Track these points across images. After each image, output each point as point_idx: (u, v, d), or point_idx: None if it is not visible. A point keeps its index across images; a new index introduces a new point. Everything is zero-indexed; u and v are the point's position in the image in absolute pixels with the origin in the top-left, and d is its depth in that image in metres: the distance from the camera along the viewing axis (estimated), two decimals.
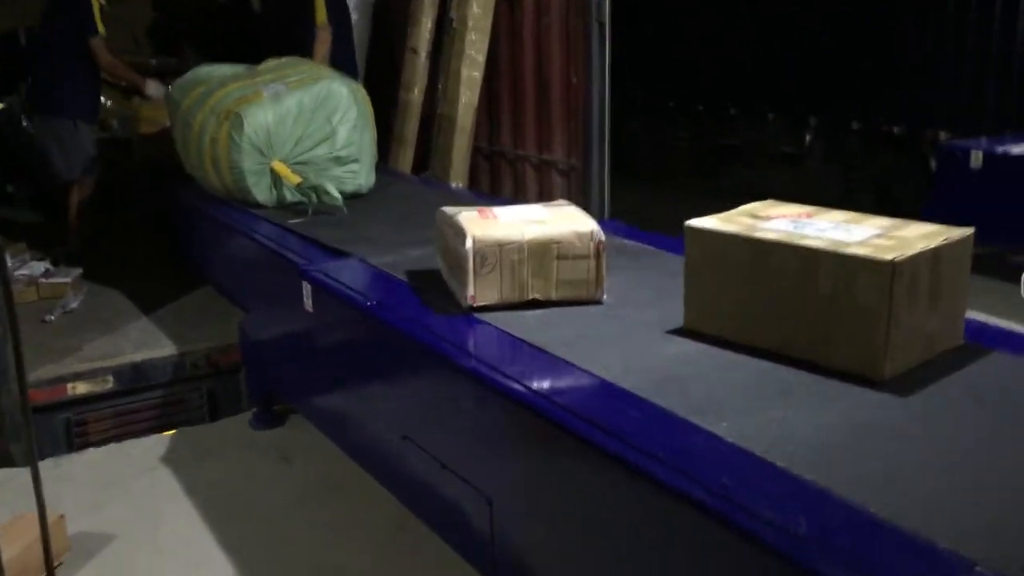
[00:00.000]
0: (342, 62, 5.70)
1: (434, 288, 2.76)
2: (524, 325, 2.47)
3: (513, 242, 2.50)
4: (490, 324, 2.54)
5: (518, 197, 5.23)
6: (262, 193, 4.09)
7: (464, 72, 5.19)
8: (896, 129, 7.68)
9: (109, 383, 3.91)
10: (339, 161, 4.17)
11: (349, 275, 3.08)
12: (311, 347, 3.29)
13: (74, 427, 3.86)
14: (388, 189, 4.50)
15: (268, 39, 6.97)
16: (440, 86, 5.42)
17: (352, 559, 3.06)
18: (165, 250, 5.26)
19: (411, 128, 5.63)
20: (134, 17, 8.49)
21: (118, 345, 4.11)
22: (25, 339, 4.12)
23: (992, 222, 4.29)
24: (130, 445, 3.84)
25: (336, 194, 3.97)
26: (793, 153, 9.20)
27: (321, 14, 5.55)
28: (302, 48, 5.70)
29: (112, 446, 3.83)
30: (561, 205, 2.84)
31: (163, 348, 4.09)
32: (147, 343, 4.14)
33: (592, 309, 2.57)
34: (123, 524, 3.27)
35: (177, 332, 4.24)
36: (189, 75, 4.54)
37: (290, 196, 4.08)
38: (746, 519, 1.54)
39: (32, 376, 3.78)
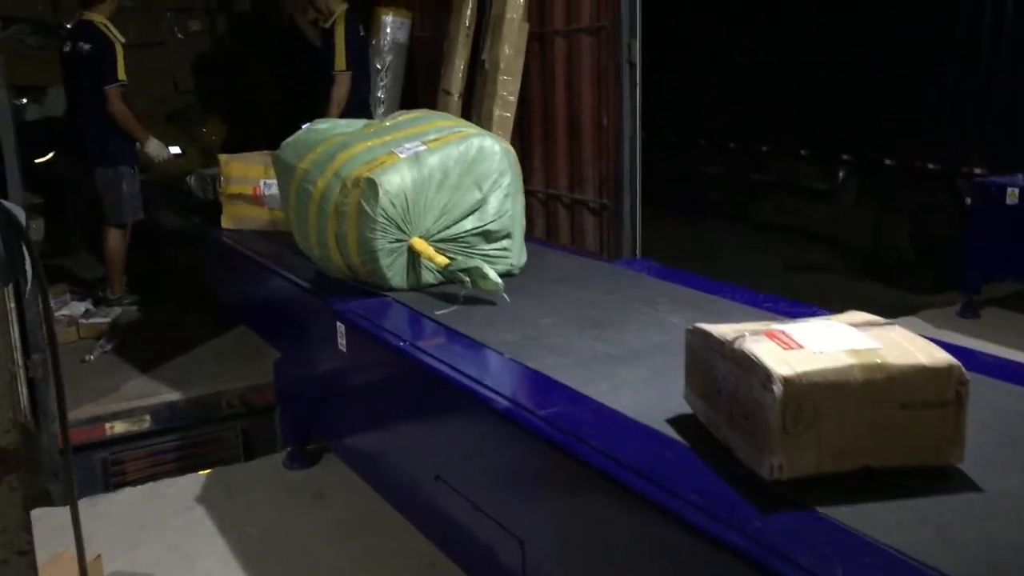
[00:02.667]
0: (355, 106, 5.81)
1: (701, 441, 2.02)
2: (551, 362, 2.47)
3: (839, 384, 1.76)
4: (520, 363, 2.55)
5: (550, 237, 5.26)
6: (398, 276, 3.35)
7: (496, 113, 5.24)
8: (931, 165, 7.62)
9: (146, 423, 3.96)
10: (489, 236, 3.46)
11: (382, 315, 3.11)
12: (344, 387, 3.31)
13: (111, 466, 3.91)
14: (542, 267, 3.74)
15: (291, 84, 7.15)
16: None
17: None
18: (202, 290, 5.33)
19: None
20: (174, 63, 8.72)
21: (155, 385, 4.17)
22: (66, 379, 4.22)
23: None
24: (165, 484, 3.87)
25: (496, 278, 3.18)
26: (825, 190, 9.15)
27: (341, 60, 5.69)
28: (321, 92, 5.86)
29: (148, 485, 3.87)
30: (880, 325, 1.99)
31: (199, 388, 4.13)
32: (183, 383, 4.19)
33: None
34: (158, 563, 3.29)
35: (213, 371, 4.29)
36: (302, 133, 3.78)
37: (432, 280, 3.40)
38: (771, 558, 1.53)
39: (71, 416, 3.84)
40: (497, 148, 3.48)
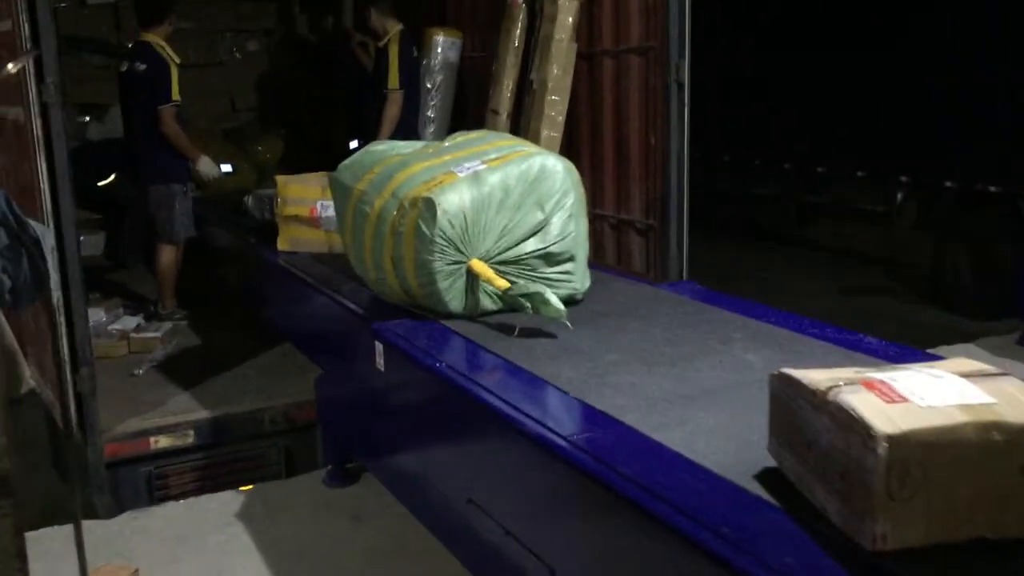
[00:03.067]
0: (407, 125, 5.87)
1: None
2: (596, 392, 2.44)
3: (951, 445, 1.57)
4: (559, 388, 2.52)
5: (596, 257, 5.21)
6: (456, 300, 3.21)
7: (544, 132, 5.23)
8: (992, 188, 7.43)
9: (190, 437, 4.00)
10: (551, 259, 3.31)
11: (421, 335, 3.10)
12: (381, 407, 3.31)
13: (155, 480, 3.95)
14: (601, 292, 3.54)
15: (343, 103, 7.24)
16: None
17: None
18: (249, 307, 5.40)
19: None
20: (231, 82, 8.88)
21: (200, 400, 4.21)
22: (114, 392, 4.32)
23: None
24: (206, 500, 3.91)
25: (559, 305, 2.99)
26: (882, 212, 8.98)
27: (394, 78, 5.76)
28: (372, 110, 5.92)
29: (190, 500, 3.91)
30: (993, 375, 1.77)
31: (243, 404, 4.17)
32: (228, 398, 4.23)
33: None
34: None
35: (257, 387, 4.33)
36: (359, 155, 3.69)
37: (490, 304, 3.26)
38: None
39: (118, 429, 3.91)
40: (560, 167, 3.34)
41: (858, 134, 8.69)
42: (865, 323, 6.94)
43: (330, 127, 7.85)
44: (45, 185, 3.55)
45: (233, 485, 4.07)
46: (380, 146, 3.71)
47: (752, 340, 2.91)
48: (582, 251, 3.42)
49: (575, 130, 5.33)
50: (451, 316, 3.23)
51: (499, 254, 3.22)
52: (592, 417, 2.36)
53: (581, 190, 3.44)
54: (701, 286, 3.71)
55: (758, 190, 10.33)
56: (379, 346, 3.15)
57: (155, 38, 5.28)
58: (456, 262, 3.16)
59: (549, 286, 3.19)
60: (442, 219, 3.08)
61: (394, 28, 6.00)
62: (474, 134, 3.75)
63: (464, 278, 3.19)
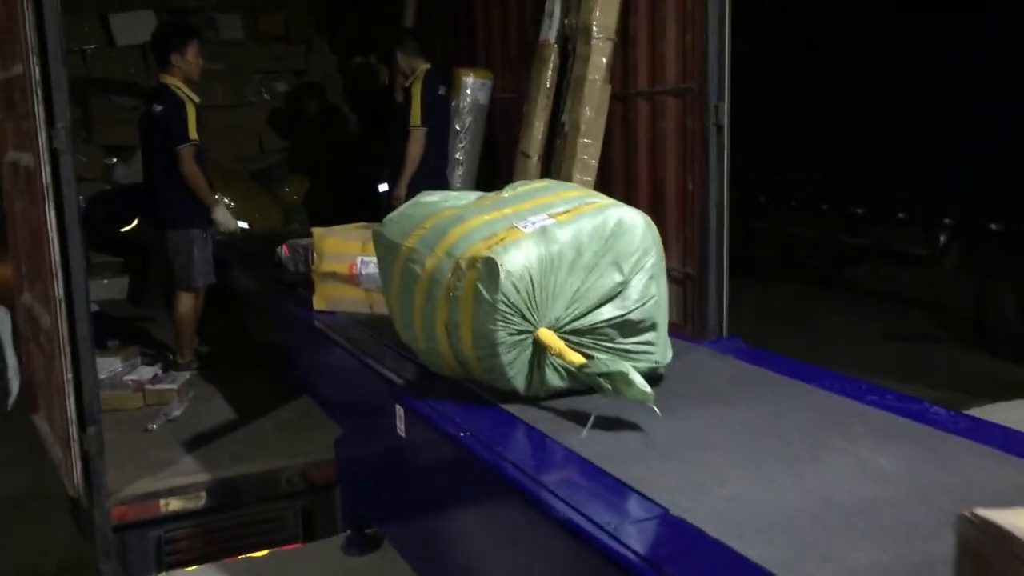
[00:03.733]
0: (433, 166, 5.72)
1: None
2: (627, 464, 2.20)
3: None
4: (595, 466, 2.27)
5: None
6: (519, 375, 2.80)
7: (576, 177, 5.03)
8: None
9: (202, 500, 3.80)
10: (629, 328, 2.89)
11: (445, 400, 2.88)
12: (401, 473, 3.09)
13: (164, 545, 3.74)
14: (692, 365, 3.16)
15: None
16: None
17: None
18: (270, 356, 5.22)
19: None
20: (260, 123, 8.81)
21: (214, 458, 4.01)
22: (125, 449, 4.13)
23: None
24: (218, 568, 3.69)
25: (645, 387, 2.58)
26: (925, 255, 8.71)
27: (416, 115, 5.65)
28: (396, 150, 5.79)
29: (202, 567, 3.69)
30: None
31: (258, 463, 3.97)
32: (243, 456, 4.03)
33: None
34: None
35: (274, 445, 4.13)
36: (407, 207, 3.32)
37: (559, 382, 2.85)
38: None
39: (127, 490, 3.71)
40: (640, 221, 2.96)
41: (899, 175, 8.46)
42: (912, 372, 6.71)
43: (359, 168, 7.73)
44: (54, 233, 3.40)
45: (248, 549, 3.85)
46: (431, 197, 3.30)
47: (863, 426, 2.51)
48: (664, 318, 3.01)
49: (609, 174, 5.13)
50: (512, 395, 2.81)
51: (570, 322, 2.82)
52: (709, 549, 1.88)
53: (661, 247, 3.05)
54: (745, 344, 3.46)
55: (794, 231, 10.09)
56: (400, 410, 2.93)
57: (172, 79, 5.17)
58: (521, 332, 2.74)
59: (627, 359, 2.79)
60: (505, 282, 2.68)
61: (420, 68, 5.89)
62: (538, 183, 3.35)
63: (530, 351, 2.78)
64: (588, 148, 5.02)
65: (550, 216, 2.89)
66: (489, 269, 2.71)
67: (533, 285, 2.73)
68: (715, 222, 4.43)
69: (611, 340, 2.87)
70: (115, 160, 7.96)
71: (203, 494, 3.80)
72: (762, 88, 9.18)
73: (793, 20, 9.30)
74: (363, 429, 3.56)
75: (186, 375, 4.97)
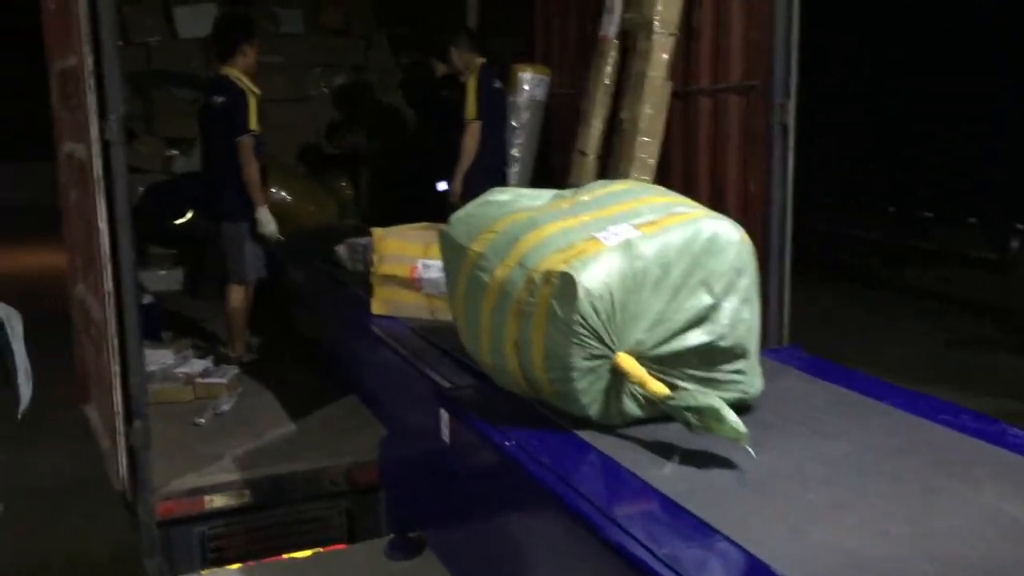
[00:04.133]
0: (489, 162, 5.63)
1: None
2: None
3: None
4: (677, 504, 2.09)
5: None
6: (595, 403, 2.54)
7: (633, 176, 4.90)
8: None
9: (246, 497, 3.76)
10: (719, 355, 2.59)
11: (493, 406, 2.78)
12: (444, 479, 3.00)
13: (208, 542, 3.71)
14: (782, 390, 2.81)
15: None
16: None
17: None
18: (320, 351, 5.18)
19: None
20: (318, 117, 8.81)
21: (260, 455, 3.98)
22: (173, 443, 4.11)
23: None
24: (260, 569, 3.64)
25: (738, 424, 2.30)
26: (996, 260, 8.42)
27: (471, 109, 5.57)
28: (450, 142, 5.71)
29: (241, 567, 3.65)
30: None
31: (303, 461, 3.92)
32: (288, 454, 3.99)
33: None
34: None
35: (320, 442, 4.08)
36: (476, 205, 2.99)
37: (637, 411, 2.56)
38: None
39: (172, 485, 3.69)
40: (735, 237, 2.64)
41: (970, 179, 8.18)
42: (974, 379, 6.47)
43: (410, 165, 7.68)
44: (104, 225, 3.38)
45: (293, 548, 3.81)
46: (502, 195, 2.98)
47: (983, 466, 2.23)
48: (756, 344, 2.69)
49: (667, 174, 4.99)
50: (586, 422, 2.54)
51: (653, 347, 2.52)
52: None
53: (756, 266, 2.71)
54: (808, 354, 3.31)
55: (859, 233, 9.85)
56: (444, 415, 2.84)
57: (232, 71, 5.17)
58: (598, 356, 2.47)
59: (715, 388, 2.54)
60: (583, 301, 2.40)
61: (475, 62, 5.81)
62: (619, 185, 3.01)
63: (607, 377, 2.50)
64: (647, 147, 4.89)
65: (634, 226, 2.58)
66: (565, 285, 2.44)
67: (614, 305, 2.45)
68: (777, 226, 4.27)
69: (697, 368, 2.58)
70: (175, 152, 8.01)
71: (247, 491, 3.76)
72: (830, 85, 8.95)
73: (868, 18, 9.04)
74: (407, 432, 3.48)
75: (236, 369, 4.95)
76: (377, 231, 4.32)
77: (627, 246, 2.51)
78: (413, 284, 4.08)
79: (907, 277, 9.41)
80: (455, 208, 5.67)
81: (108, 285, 3.39)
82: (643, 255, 2.50)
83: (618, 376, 2.49)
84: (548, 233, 2.64)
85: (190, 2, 8.13)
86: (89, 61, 3.27)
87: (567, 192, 2.97)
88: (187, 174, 7.39)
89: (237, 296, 5.21)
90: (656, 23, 4.77)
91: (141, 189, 7.74)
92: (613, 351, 2.47)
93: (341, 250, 5.31)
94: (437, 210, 5.89)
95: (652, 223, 2.60)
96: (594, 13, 5.47)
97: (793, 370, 3.11)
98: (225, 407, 4.50)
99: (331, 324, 5.02)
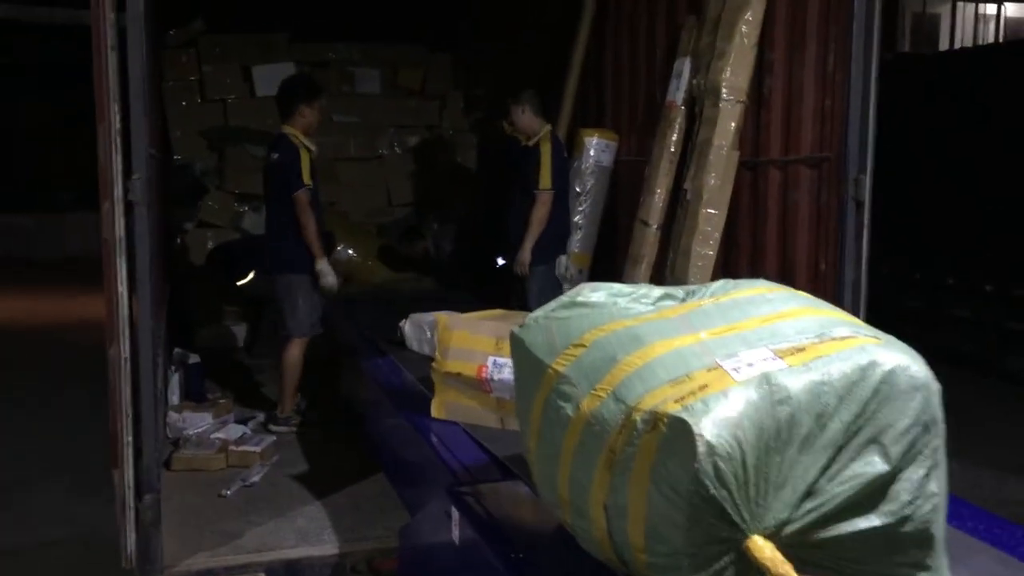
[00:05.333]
0: (557, 231, 5.43)
1: None
2: None
3: None
4: None
5: None
6: None
7: (696, 249, 4.62)
8: None
9: None
10: (892, 543, 1.92)
11: (509, 507, 2.51)
12: None
13: None
14: None
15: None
16: (669, 263, 4.87)
17: None
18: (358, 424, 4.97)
19: None
20: (390, 176, 8.78)
21: (280, 535, 3.75)
22: (194, 515, 3.93)
23: None
24: None
25: None
26: None
27: (546, 178, 5.39)
28: (519, 210, 5.53)
29: None
30: None
31: (324, 544, 3.68)
32: (310, 535, 3.75)
33: None
34: None
35: (345, 524, 3.84)
36: (561, 305, 2.32)
37: None
38: None
39: (182, 565, 3.49)
40: (921, 376, 1.94)
41: None
42: None
43: (484, 226, 7.54)
44: (123, 288, 3.24)
45: None
46: (593, 294, 2.30)
47: None
48: (942, 526, 1.98)
49: (733, 249, 4.69)
50: None
51: (802, 530, 1.83)
52: None
53: (943, 418, 1.99)
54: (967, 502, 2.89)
55: (953, 312, 9.28)
56: (456, 513, 2.58)
57: (291, 129, 5.15)
58: (724, 540, 1.79)
59: None
60: (705, 461, 1.74)
61: (544, 128, 5.63)
62: (749, 288, 2.26)
63: (735, 567, 1.82)
64: (711, 219, 4.60)
65: (775, 353, 1.91)
66: (679, 437, 1.78)
67: (746, 468, 1.77)
68: (850, 308, 3.91)
69: (863, 560, 1.90)
70: (245, 208, 8.05)
71: (262, 575, 3.53)
72: (921, 155, 8.52)
73: (958, 87, 8.62)
74: (426, 522, 3.22)
75: (271, 438, 4.78)
76: (442, 318, 3.79)
77: (766, 382, 1.84)
78: (482, 385, 3.51)
79: (1004, 360, 8.78)
80: (523, 279, 5.55)
81: (125, 351, 3.25)
82: (789, 397, 1.82)
83: (750, 566, 1.78)
84: (656, 355, 1.98)
85: (269, 61, 8.22)
86: (116, 120, 3.17)
87: (678, 291, 2.33)
88: (252, 236, 7.39)
89: (294, 351, 5.09)
90: (724, 89, 4.52)
91: (211, 245, 7.79)
92: (744, 532, 1.78)
93: (406, 328, 4.96)
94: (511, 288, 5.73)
95: (800, 349, 1.92)
96: (663, 79, 5.26)
97: (983, 546, 2.43)
98: (255, 478, 4.32)
99: (379, 410, 4.73)
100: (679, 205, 4.88)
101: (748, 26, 4.44)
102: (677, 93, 4.98)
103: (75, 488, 5.35)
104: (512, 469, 2.29)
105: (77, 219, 14.86)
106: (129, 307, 3.24)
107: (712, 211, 4.61)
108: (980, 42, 11.62)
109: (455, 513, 2.58)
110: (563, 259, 5.65)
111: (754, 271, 4.59)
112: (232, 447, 4.57)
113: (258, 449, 4.55)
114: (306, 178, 5.02)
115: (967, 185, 8.53)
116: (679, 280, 4.70)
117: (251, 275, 6.94)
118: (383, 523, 3.79)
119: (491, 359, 3.47)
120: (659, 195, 5.06)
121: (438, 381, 3.68)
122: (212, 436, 4.68)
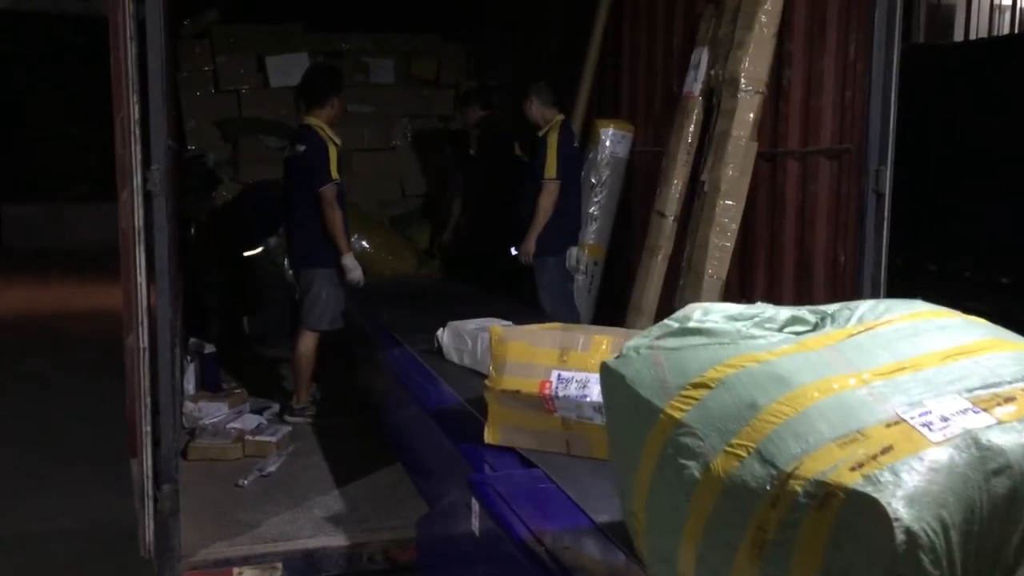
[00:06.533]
0: (565, 223, 5.41)
1: None
2: None
3: None
4: None
5: None
6: None
7: (713, 241, 4.59)
8: None
9: (278, 571, 3.53)
10: None
11: (533, 499, 2.49)
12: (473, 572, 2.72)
13: None
14: None
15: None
16: (686, 254, 4.84)
17: None
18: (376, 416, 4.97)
19: (650, 297, 5.08)
20: (403, 167, 8.75)
21: (297, 525, 3.76)
22: (210, 505, 3.94)
23: None
24: None
25: None
26: None
27: (551, 168, 5.38)
28: (523, 202, 5.52)
29: None
30: None
31: (340, 534, 3.68)
32: (327, 525, 3.76)
33: None
34: None
35: (361, 515, 3.84)
36: (665, 333, 1.88)
37: None
38: None
39: (200, 554, 3.50)
40: None
41: None
42: None
43: (496, 217, 7.51)
44: (142, 278, 3.24)
45: None
46: (706, 317, 1.86)
47: None
48: None
49: (750, 240, 4.66)
50: None
51: None
52: None
53: None
54: None
55: (970, 305, 9.22)
56: (476, 504, 2.57)
57: (316, 121, 5.12)
58: None
59: None
60: (905, 549, 1.35)
61: (555, 118, 5.61)
62: (910, 312, 1.85)
63: None
64: (728, 210, 4.57)
65: (972, 402, 1.50)
66: (865, 520, 1.38)
67: (952, 553, 1.38)
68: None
69: None
70: None
71: (279, 565, 3.53)
72: (938, 145, 8.45)
73: (977, 76, 8.54)
74: (444, 513, 3.22)
75: (287, 428, 4.79)
76: (496, 330, 3.23)
77: (974, 445, 1.43)
78: (545, 404, 2.94)
79: None
80: (528, 269, 5.54)
81: (144, 342, 3.25)
82: (1009, 466, 1.42)
83: None
84: (810, 402, 1.54)
85: (283, 52, 8.20)
86: (135, 110, 3.16)
87: (807, 314, 1.87)
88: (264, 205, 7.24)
89: (307, 344, 5.09)
90: (743, 80, 4.48)
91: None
92: None
93: (444, 338, 4.36)
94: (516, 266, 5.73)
95: (1009, 399, 1.49)
96: (680, 69, 5.22)
97: None
98: (271, 468, 4.32)
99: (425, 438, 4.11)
100: (696, 196, 4.85)
101: (767, 15, 4.40)
102: (695, 84, 4.94)
103: (89, 478, 5.37)
104: (608, 535, 2.04)
105: (84, 210, 14.97)
106: (148, 296, 3.24)
107: (730, 202, 4.57)
108: (995, 33, 11.52)
109: (475, 504, 2.57)
110: (574, 251, 5.64)
111: (772, 263, 4.56)
112: (248, 437, 4.58)
113: (274, 439, 4.56)
114: (334, 173, 5.00)
115: (984, 176, 8.45)
116: (696, 273, 4.68)
117: (259, 249, 6.90)
118: (399, 515, 3.79)
119: (555, 373, 2.94)
120: (676, 186, 5.03)
121: (492, 401, 3.07)
122: (228, 426, 4.70)
